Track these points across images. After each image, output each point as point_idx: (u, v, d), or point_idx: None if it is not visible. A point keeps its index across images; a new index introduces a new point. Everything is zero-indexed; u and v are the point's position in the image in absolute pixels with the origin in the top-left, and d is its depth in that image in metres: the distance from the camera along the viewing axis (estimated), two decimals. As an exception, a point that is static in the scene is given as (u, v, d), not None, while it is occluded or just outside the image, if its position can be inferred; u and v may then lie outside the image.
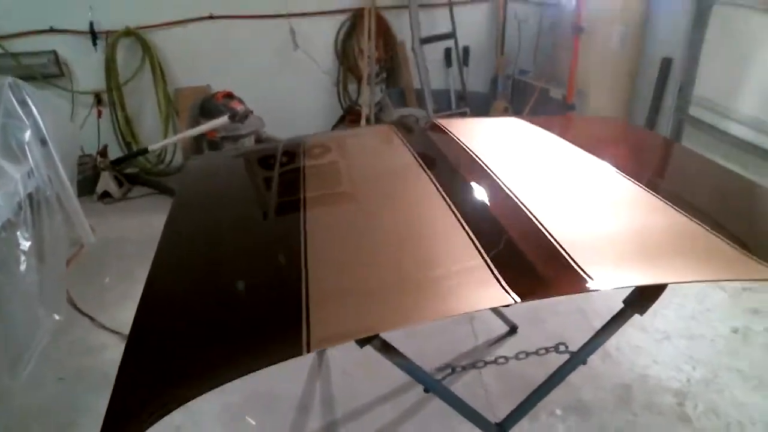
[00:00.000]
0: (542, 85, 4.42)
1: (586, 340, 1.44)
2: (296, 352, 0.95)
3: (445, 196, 1.50)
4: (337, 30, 4.43)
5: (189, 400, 0.92)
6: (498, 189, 1.55)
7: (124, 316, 2.79)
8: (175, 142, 3.80)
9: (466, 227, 1.35)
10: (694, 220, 1.38)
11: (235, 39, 4.25)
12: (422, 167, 1.72)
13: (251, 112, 3.53)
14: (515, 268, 1.21)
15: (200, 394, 0.94)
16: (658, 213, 1.51)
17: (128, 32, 4.04)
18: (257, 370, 0.94)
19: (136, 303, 1.15)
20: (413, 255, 1.30)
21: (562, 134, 2.18)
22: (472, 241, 1.30)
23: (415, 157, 1.81)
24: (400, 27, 4.53)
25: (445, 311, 1.10)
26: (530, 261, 1.24)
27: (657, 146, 2.45)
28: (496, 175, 1.65)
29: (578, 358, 1.40)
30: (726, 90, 3.58)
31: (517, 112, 4.66)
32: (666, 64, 4.09)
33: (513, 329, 2.59)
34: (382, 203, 1.55)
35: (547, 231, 1.33)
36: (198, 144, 3.88)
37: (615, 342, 2.57)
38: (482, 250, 1.26)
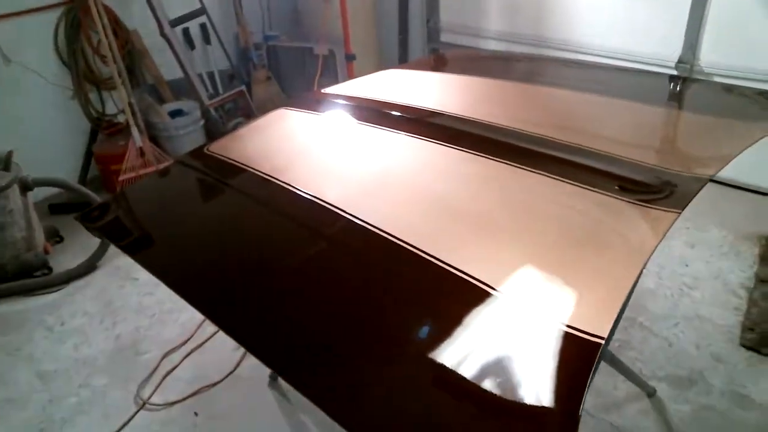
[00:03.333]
0: (298, 44, 4.32)
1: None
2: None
3: (495, 158, 1.40)
4: (54, 31, 3.55)
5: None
6: (523, 135, 1.50)
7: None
8: None
9: (555, 176, 1.29)
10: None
11: None
12: (423, 139, 1.56)
13: (12, 152, 2.65)
14: (640, 191, 1.23)
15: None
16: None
17: None
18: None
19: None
20: (549, 224, 1.20)
21: (457, 71, 2.21)
22: (577, 186, 1.26)
23: (397, 132, 1.61)
24: (127, 15, 3.85)
25: (640, 257, 1.06)
26: (646, 182, 1.27)
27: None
28: (495, 123, 1.60)
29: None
30: (471, 12, 4.02)
31: (277, 78, 4.48)
32: (404, 3, 4.37)
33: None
34: (444, 192, 1.35)
35: (620, 155, 1.38)
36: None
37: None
38: (596, 189, 1.24)
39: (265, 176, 1.51)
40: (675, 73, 3.17)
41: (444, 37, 4.26)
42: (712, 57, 3.11)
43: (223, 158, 1.69)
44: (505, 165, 1.38)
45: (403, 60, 4.62)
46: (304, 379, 0.95)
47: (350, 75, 3.93)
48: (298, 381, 0.95)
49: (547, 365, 0.87)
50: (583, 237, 1.13)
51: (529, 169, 1.34)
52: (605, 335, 0.89)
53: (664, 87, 2.16)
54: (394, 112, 1.77)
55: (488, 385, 0.85)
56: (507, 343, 0.93)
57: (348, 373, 0.96)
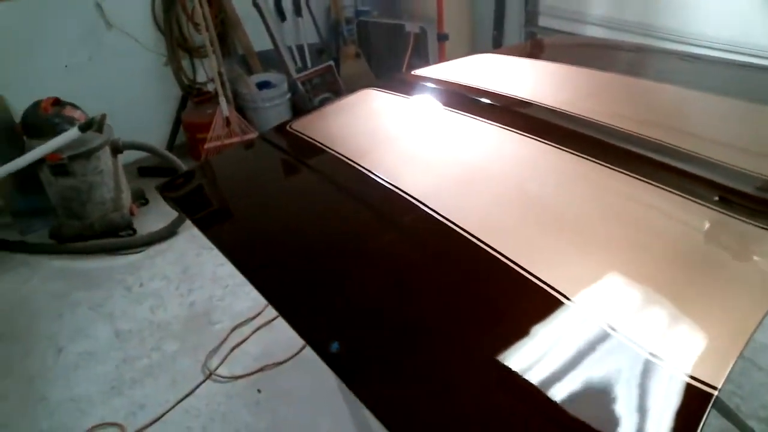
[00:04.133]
0: (389, 20, 4.21)
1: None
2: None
3: (595, 159, 1.24)
4: (152, -2, 3.64)
5: None
6: (628, 136, 1.34)
7: None
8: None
9: (665, 187, 1.13)
10: None
11: (23, 27, 3.23)
12: (515, 131, 1.43)
13: (105, 116, 2.73)
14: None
15: None
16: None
17: None
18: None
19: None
20: (657, 241, 1.04)
21: (555, 59, 2.04)
22: (692, 201, 1.10)
23: (489, 123, 1.49)
24: (222, -17, 3.88)
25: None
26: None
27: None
28: (596, 120, 1.44)
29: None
30: (573, -5, 3.77)
31: (366, 55, 4.41)
32: (503, -17, 4.17)
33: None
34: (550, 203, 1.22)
35: (745, 168, 1.20)
36: (25, 176, 2.92)
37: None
38: (715, 207, 1.07)
39: (346, 160, 1.43)
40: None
41: (542, 21, 4.02)
42: None
43: (305, 137, 1.62)
44: (609, 169, 1.22)
45: (497, 43, 4.42)
46: (364, 384, 0.88)
47: (441, 56, 3.79)
48: (357, 386, 0.87)
49: (652, 411, 0.75)
50: (698, 262, 0.98)
51: (635, 175, 1.18)
52: (719, 385, 0.75)
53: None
54: (487, 101, 1.64)
55: (585, 420, 0.74)
56: (606, 377, 0.81)
57: (414, 384, 0.86)
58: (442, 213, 1.14)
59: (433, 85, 1.82)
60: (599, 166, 1.24)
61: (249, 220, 1.39)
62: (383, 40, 4.31)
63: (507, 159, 1.36)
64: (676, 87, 1.82)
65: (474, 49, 4.59)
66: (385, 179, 1.30)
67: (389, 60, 4.34)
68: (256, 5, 3.64)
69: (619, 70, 2.07)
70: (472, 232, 1.06)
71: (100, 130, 2.69)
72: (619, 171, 1.20)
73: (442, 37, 3.70)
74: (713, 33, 3.17)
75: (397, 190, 1.25)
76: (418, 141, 1.54)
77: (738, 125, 1.50)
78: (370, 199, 1.30)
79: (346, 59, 4.31)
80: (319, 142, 1.57)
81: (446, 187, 1.27)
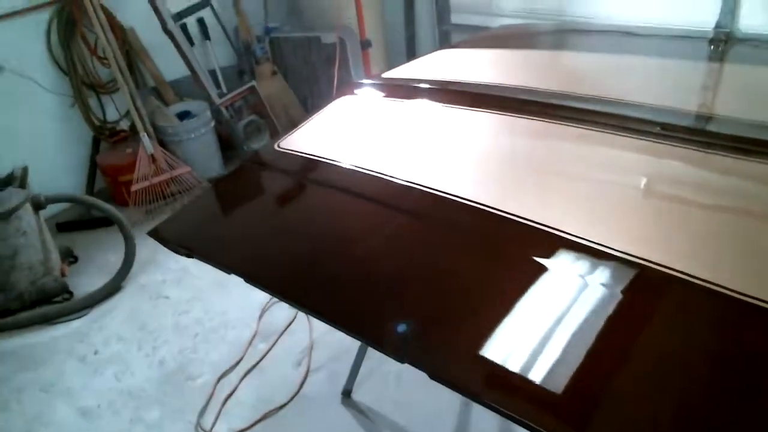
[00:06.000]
0: (302, 34, 4.08)
1: None
2: None
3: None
4: (46, 33, 3.26)
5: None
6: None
7: None
8: None
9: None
10: None
11: None
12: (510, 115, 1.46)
13: (27, 168, 2.38)
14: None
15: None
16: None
17: None
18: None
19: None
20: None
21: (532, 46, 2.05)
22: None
23: (487, 112, 1.49)
24: (120, 12, 3.56)
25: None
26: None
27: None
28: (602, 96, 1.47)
29: None
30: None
31: (282, 72, 4.24)
32: (410, -17, 4.17)
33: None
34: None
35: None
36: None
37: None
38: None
39: (358, 169, 1.38)
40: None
41: (455, 18, 4.06)
42: (752, 21, 2.98)
43: (301, 155, 1.51)
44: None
45: (411, 45, 4.42)
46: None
47: (366, 64, 3.71)
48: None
49: None
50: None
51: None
52: None
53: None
54: (470, 91, 1.65)
55: None
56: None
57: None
58: (483, 202, 1.15)
59: (412, 84, 1.77)
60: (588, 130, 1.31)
61: (279, 247, 1.25)
62: (298, 55, 4.16)
63: (504, 140, 1.42)
64: (619, 56, 1.91)
65: (390, 53, 4.55)
66: (399, 178, 1.29)
67: (307, 75, 4.21)
68: (167, 32, 3.36)
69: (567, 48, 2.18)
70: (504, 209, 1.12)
71: (22, 185, 2.36)
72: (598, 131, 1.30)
73: (366, 44, 3.62)
74: (628, 14, 3.33)
75: (413, 185, 1.25)
76: (418, 138, 1.52)
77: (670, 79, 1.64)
78: (388, 199, 1.28)
79: (262, 79, 4.11)
80: (319, 157, 1.47)
81: (476, 175, 1.29)
